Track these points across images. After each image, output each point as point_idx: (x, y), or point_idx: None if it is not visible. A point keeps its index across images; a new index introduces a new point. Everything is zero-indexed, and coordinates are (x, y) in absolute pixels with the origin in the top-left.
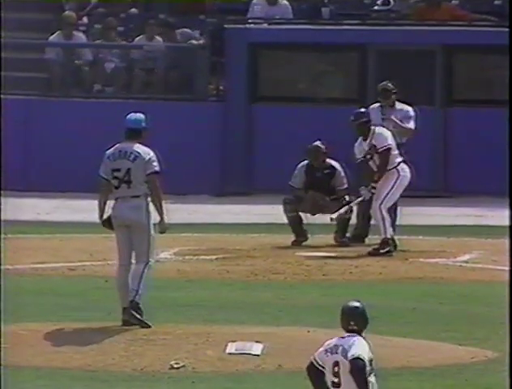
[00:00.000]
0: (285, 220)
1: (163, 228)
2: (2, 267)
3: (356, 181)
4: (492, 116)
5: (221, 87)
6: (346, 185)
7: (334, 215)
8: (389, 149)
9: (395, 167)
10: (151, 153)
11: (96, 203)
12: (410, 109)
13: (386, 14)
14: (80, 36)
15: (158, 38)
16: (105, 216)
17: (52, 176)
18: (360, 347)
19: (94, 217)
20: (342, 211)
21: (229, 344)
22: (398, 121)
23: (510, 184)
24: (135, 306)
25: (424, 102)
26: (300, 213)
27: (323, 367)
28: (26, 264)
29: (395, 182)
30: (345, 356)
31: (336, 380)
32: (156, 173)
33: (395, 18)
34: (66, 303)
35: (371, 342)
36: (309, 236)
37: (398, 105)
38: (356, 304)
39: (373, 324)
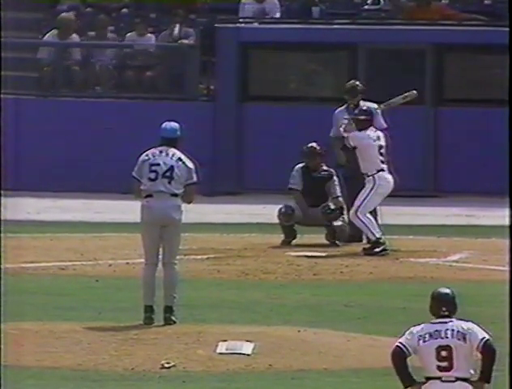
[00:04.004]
0: (276, 220)
1: None
2: (2, 266)
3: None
4: (482, 115)
5: (212, 87)
6: (339, 194)
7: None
8: (351, 148)
9: (373, 175)
10: (192, 164)
11: (83, 202)
12: (376, 105)
13: (376, 13)
14: (73, 36)
15: (148, 35)
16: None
17: (42, 175)
18: (481, 330)
19: (84, 217)
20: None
21: (220, 344)
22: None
23: (510, 184)
24: (172, 310)
25: (415, 101)
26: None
27: (409, 353)
28: (16, 264)
29: (371, 190)
30: (464, 340)
31: (445, 364)
32: (195, 184)
33: (385, 17)
34: (57, 303)
35: (360, 342)
36: (298, 235)
37: (364, 104)
38: (447, 290)
39: (362, 324)
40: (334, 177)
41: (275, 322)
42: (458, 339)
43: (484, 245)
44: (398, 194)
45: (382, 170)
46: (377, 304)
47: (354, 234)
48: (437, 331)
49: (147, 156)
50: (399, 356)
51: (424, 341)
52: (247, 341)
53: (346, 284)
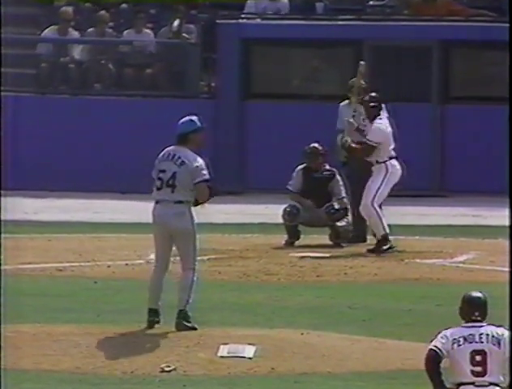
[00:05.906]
0: (278, 220)
1: None
2: (2, 267)
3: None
4: (489, 113)
5: (213, 84)
6: (344, 195)
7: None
8: (373, 147)
9: (385, 162)
10: (200, 161)
11: (82, 201)
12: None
13: (381, 9)
14: (74, 33)
15: (148, 32)
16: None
17: (40, 174)
18: None
19: (83, 217)
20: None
21: (221, 347)
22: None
23: (510, 184)
24: (184, 315)
25: (421, 99)
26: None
27: (443, 357)
28: (13, 265)
29: (384, 178)
30: (498, 345)
31: (479, 369)
32: (206, 181)
33: (391, 13)
34: (55, 304)
35: (364, 344)
36: (301, 236)
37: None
38: (479, 294)
39: (366, 326)
40: (338, 177)
41: (278, 324)
42: (493, 344)
43: (491, 245)
44: (404, 194)
45: (392, 158)
46: (381, 306)
47: (358, 234)
48: (471, 335)
49: (158, 158)
50: (434, 360)
51: (459, 345)
52: (249, 344)
53: (350, 286)
